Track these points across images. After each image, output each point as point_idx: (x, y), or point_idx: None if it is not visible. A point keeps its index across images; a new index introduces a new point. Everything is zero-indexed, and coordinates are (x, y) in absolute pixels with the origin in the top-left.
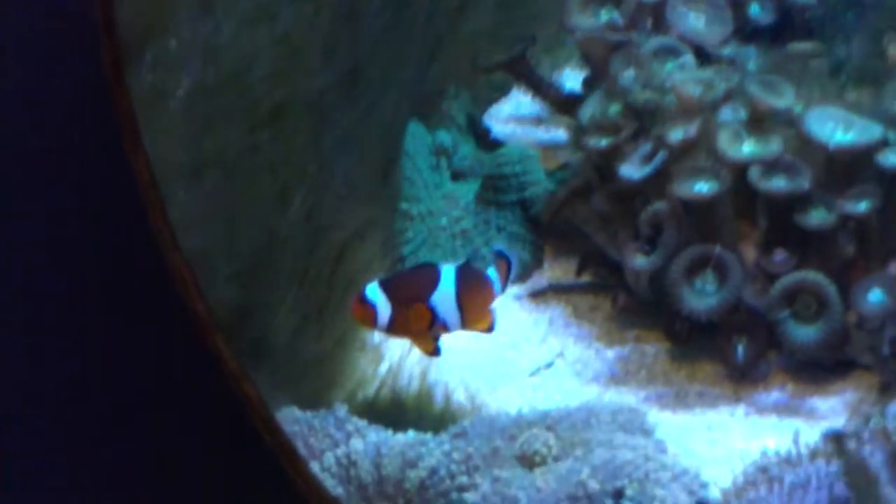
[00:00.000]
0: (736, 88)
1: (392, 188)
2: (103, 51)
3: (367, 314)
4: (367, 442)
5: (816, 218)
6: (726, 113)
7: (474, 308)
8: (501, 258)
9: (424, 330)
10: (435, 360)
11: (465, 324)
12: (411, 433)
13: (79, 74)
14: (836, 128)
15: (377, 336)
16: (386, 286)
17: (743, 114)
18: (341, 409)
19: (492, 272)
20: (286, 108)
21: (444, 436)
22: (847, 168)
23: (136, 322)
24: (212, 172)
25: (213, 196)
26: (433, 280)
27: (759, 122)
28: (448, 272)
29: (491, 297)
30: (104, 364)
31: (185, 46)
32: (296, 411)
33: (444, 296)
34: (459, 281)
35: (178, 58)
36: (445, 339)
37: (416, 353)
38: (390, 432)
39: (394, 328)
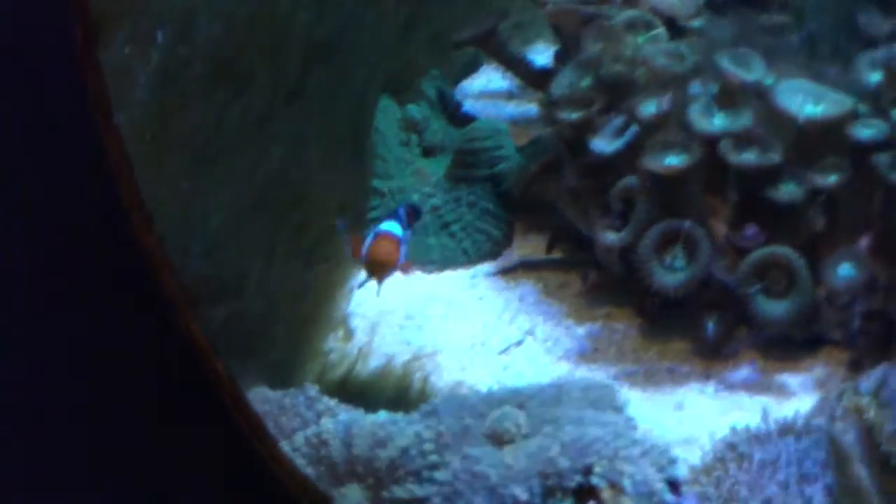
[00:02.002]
0: (707, 62)
1: (363, 164)
2: (75, 28)
3: (397, 252)
4: (338, 421)
5: (786, 192)
6: (697, 86)
7: None
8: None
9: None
10: (404, 339)
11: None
12: (382, 413)
13: (49, 51)
14: (807, 100)
15: (346, 312)
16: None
17: (713, 87)
18: (312, 389)
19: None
20: (257, 80)
21: (414, 415)
22: (817, 141)
23: (108, 301)
24: (183, 148)
25: (184, 172)
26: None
27: (729, 96)
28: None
29: None
30: (73, 343)
31: (156, 21)
32: (266, 391)
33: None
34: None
35: (148, 32)
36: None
37: (386, 332)
38: (361, 412)
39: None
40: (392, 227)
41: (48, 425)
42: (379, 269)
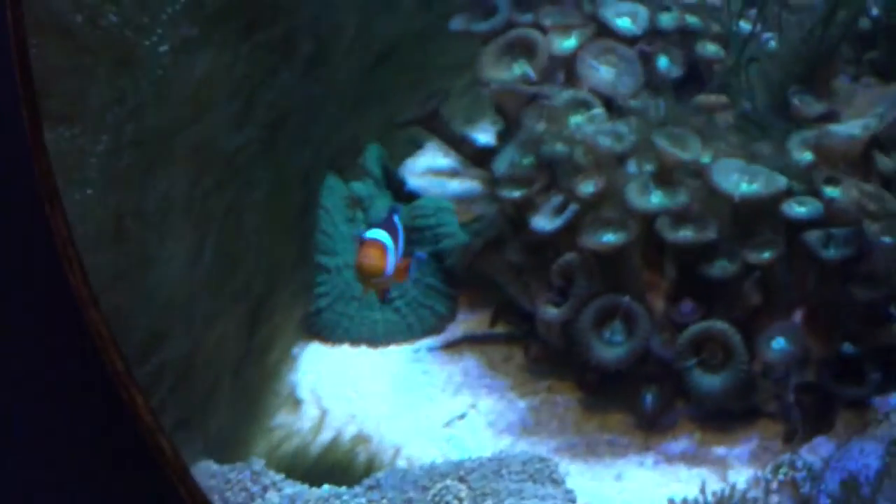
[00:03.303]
0: (644, 141)
1: (308, 241)
2: (23, 112)
3: (384, 259)
4: (283, 495)
5: (720, 268)
6: (634, 165)
7: None
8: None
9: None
10: (350, 412)
11: None
12: (326, 487)
13: None
14: (742, 179)
15: (293, 386)
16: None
17: (651, 166)
18: (258, 463)
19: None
20: (204, 160)
21: (358, 488)
22: (753, 218)
23: (54, 378)
24: (130, 228)
25: (130, 251)
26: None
27: (666, 174)
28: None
29: None
30: (19, 423)
31: (105, 104)
32: (212, 465)
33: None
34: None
35: (97, 115)
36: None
37: (332, 405)
38: (306, 486)
39: (392, 274)
40: (379, 234)
41: None
42: (366, 278)
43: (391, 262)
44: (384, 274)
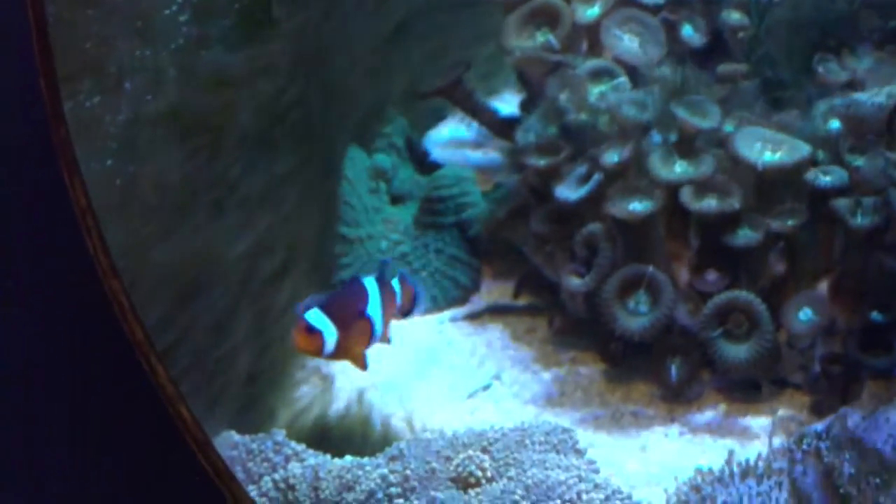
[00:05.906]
0: (666, 110)
1: (331, 212)
2: (41, 79)
3: (315, 343)
4: (305, 465)
5: (742, 237)
6: (657, 135)
7: (388, 319)
8: (405, 284)
9: (364, 346)
10: (374, 382)
11: (383, 336)
12: (348, 457)
13: (14, 101)
14: (765, 148)
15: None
16: (328, 310)
17: (674, 135)
18: (279, 434)
19: (395, 283)
20: (224, 132)
21: (380, 458)
22: (777, 187)
23: (74, 346)
24: (150, 198)
25: (151, 220)
26: (365, 295)
27: (688, 143)
28: (371, 285)
29: (394, 308)
30: (42, 387)
31: (126, 74)
32: (234, 435)
33: (374, 309)
34: (381, 293)
35: (116, 84)
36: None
37: (355, 376)
38: (328, 456)
39: (339, 352)
40: (314, 317)
41: (17, 473)
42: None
43: (329, 342)
44: (323, 354)
